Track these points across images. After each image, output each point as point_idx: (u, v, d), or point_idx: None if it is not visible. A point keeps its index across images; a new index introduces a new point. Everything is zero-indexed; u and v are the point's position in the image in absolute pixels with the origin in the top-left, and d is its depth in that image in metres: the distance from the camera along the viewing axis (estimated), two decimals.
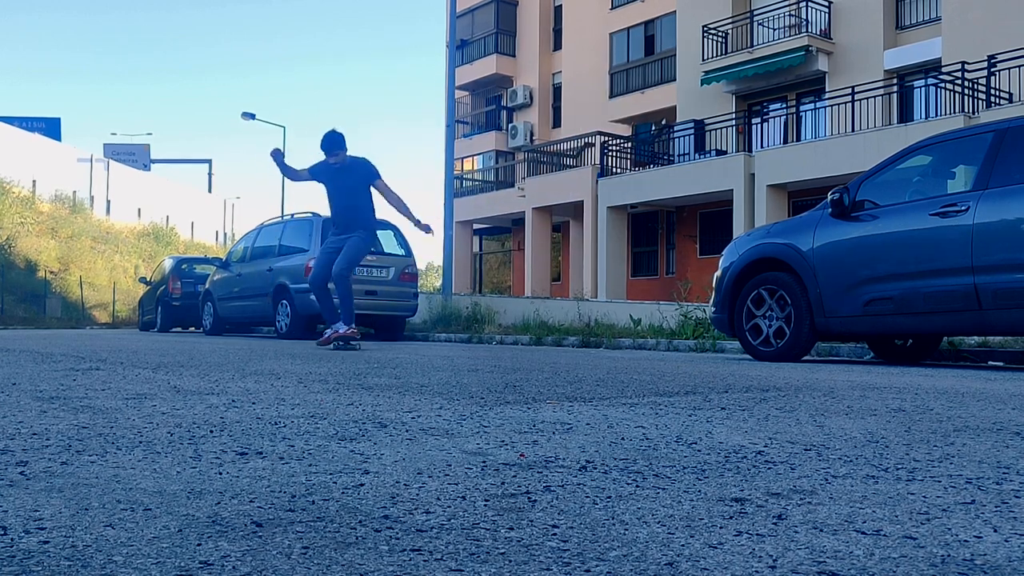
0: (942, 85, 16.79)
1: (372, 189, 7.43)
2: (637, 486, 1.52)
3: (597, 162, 22.66)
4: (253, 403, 2.76)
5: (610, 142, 22.50)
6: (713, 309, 6.81)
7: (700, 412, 2.66)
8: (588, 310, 14.12)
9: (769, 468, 1.71)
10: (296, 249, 12.13)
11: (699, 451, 1.91)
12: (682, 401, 3.02)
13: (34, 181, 34.15)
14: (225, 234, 50.38)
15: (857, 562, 1.06)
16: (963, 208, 5.32)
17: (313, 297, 7.84)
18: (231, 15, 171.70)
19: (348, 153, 7.27)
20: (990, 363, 6.85)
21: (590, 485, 1.52)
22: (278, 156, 7.39)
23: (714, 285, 6.80)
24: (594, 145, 23.20)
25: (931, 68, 18.41)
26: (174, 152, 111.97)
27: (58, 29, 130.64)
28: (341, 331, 7.23)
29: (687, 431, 2.23)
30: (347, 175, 7.26)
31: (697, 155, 20.60)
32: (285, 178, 7.10)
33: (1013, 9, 16.80)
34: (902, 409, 2.82)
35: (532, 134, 28.83)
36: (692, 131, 21.07)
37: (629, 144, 23.38)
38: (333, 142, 7.16)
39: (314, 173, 7.37)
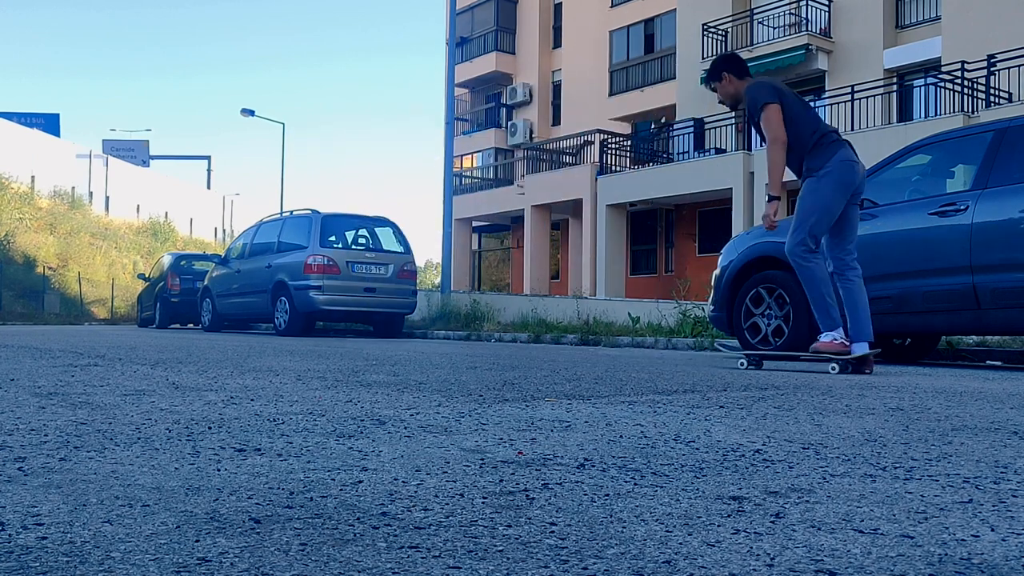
0: (942, 84, 16.78)
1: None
2: (635, 484, 1.52)
3: (596, 160, 22.65)
4: (251, 400, 2.76)
5: (609, 140, 22.49)
6: (712, 307, 6.81)
7: (698, 410, 2.67)
8: (587, 308, 14.12)
9: (767, 467, 1.71)
10: (295, 246, 12.12)
11: (697, 449, 1.91)
12: (680, 399, 3.02)
13: (33, 177, 34.09)
14: (224, 231, 50.29)
15: (855, 561, 1.06)
16: (962, 207, 5.32)
17: (802, 283, 4.90)
18: (231, 12, 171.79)
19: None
20: (988, 362, 6.86)
21: (588, 483, 1.52)
22: None
23: (713, 284, 6.80)
24: (593, 143, 23.20)
25: (931, 67, 18.40)
26: (173, 148, 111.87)
27: (58, 25, 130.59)
28: (857, 351, 4.66)
29: (685, 429, 2.23)
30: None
31: (696, 153, 20.59)
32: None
33: (1013, 9, 16.79)
34: (900, 408, 2.82)
35: (531, 132, 28.81)
36: (692, 129, 21.07)
37: (628, 142, 23.37)
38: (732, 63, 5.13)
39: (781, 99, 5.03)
